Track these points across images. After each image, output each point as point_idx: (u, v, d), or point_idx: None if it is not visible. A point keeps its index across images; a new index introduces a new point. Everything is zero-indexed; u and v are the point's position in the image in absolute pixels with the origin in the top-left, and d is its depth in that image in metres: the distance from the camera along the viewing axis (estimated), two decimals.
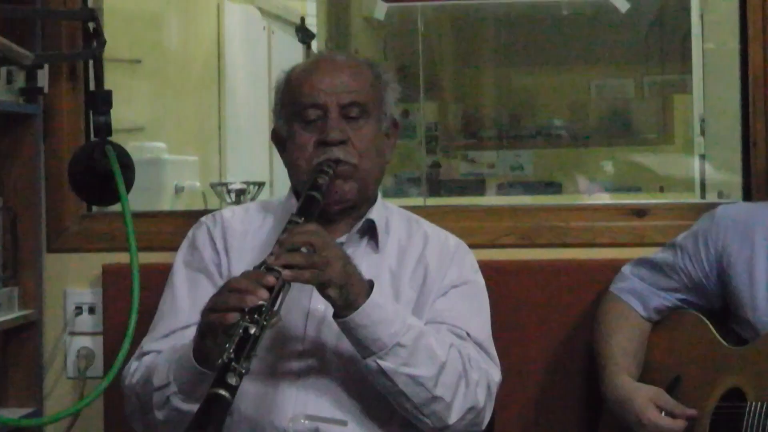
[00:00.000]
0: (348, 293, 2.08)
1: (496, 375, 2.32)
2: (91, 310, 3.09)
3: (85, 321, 3.10)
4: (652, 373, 2.59)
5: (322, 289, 2.07)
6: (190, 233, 2.51)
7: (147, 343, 2.35)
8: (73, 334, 3.10)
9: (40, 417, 2.98)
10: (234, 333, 1.90)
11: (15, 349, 3.01)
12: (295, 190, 2.42)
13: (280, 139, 2.45)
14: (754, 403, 2.33)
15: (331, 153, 2.29)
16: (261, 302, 1.93)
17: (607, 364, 2.59)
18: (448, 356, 2.19)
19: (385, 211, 2.46)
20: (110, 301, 3.02)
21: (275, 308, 1.95)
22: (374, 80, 2.41)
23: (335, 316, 2.11)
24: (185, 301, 2.36)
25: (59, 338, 3.11)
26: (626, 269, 2.75)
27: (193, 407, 2.01)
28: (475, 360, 2.26)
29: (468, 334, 2.30)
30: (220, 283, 2.28)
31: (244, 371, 1.85)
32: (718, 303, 2.59)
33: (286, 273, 1.98)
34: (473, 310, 2.38)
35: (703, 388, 2.46)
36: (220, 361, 1.86)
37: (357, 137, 2.32)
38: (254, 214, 2.50)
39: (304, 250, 2.05)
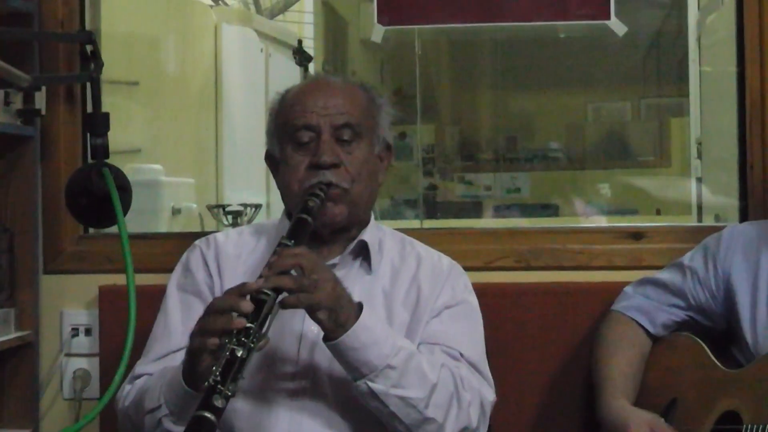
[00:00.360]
0: (337, 316, 2.08)
1: (489, 395, 2.31)
2: (88, 332, 3.09)
3: (82, 342, 3.09)
4: (648, 395, 2.59)
5: (312, 311, 2.07)
6: (183, 256, 2.51)
7: (140, 366, 2.35)
8: (69, 355, 3.10)
9: None
10: (221, 356, 1.90)
11: (11, 370, 3.00)
12: (288, 212, 2.42)
13: (273, 161, 2.45)
14: (750, 426, 2.33)
15: (323, 176, 2.29)
16: (249, 325, 1.93)
17: (605, 387, 2.58)
18: (440, 377, 2.18)
19: (378, 233, 2.46)
20: (106, 323, 3.01)
21: (263, 330, 1.96)
22: (368, 103, 2.42)
23: (325, 339, 2.11)
24: (178, 325, 2.36)
25: (55, 359, 3.11)
26: (629, 289, 2.74)
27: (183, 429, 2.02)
28: (468, 380, 2.26)
29: (461, 354, 2.30)
30: None
31: (230, 393, 1.85)
32: (722, 324, 2.59)
33: (273, 296, 1.99)
34: (466, 330, 2.37)
35: (699, 410, 2.46)
36: (206, 383, 1.87)
37: (349, 160, 2.32)
38: (248, 237, 2.50)
39: (294, 272, 2.05)
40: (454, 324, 2.35)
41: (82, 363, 3.09)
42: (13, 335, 2.92)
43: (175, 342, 2.31)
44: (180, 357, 2.13)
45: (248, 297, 1.98)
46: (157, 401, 2.13)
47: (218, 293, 2.35)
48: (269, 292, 1.99)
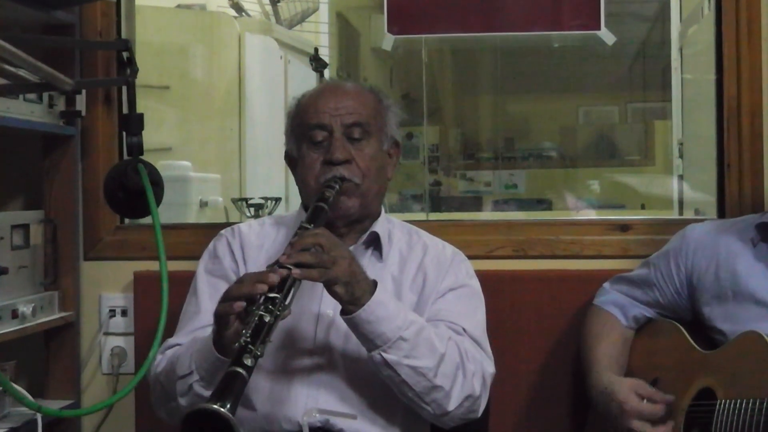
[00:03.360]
0: (354, 290, 2.09)
1: (490, 367, 2.33)
2: (124, 313, 3.11)
3: (118, 323, 3.12)
4: (633, 375, 2.58)
5: (330, 285, 2.08)
6: (210, 245, 2.52)
7: (171, 340, 2.37)
8: (107, 334, 3.12)
9: (79, 409, 3.01)
10: (250, 320, 1.91)
11: (55, 348, 3.02)
12: (305, 206, 2.44)
13: (291, 160, 2.47)
14: (723, 401, 2.34)
15: (336, 171, 2.32)
16: (274, 295, 1.94)
17: (593, 367, 2.59)
18: (447, 348, 2.20)
19: (387, 224, 2.48)
20: (141, 305, 3.04)
21: (287, 302, 1.97)
22: (376, 103, 2.43)
23: (342, 312, 2.12)
24: (207, 304, 2.37)
25: (95, 338, 3.13)
26: (607, 285, 2.77)
27: None
28: (471, 352, 2.27)
29: (464, 329, 2.32)
30: None
31: (259, 354, 1.86)
32: (689, 316, 2.61)
33: (295, 271, 2.00)
34: (469, 309, 2.39)
35: (679, 388, 2.46)
36: (237, 344, 1.88)
37: (360, 157, 2.35)
38: (269, 228, 2.52)
39: (313, 250, 2.07)
40: (457, 303, 2.37)
41: (118, 341, 3.12)
42: (56, 316, 2.94)
43: (204, 319, 2.33)
44: (209, 332, 2.15)
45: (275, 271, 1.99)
46: (188, 368, 2.15)
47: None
48: (291, 267, 2.00)
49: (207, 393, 2.09)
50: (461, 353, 2.24)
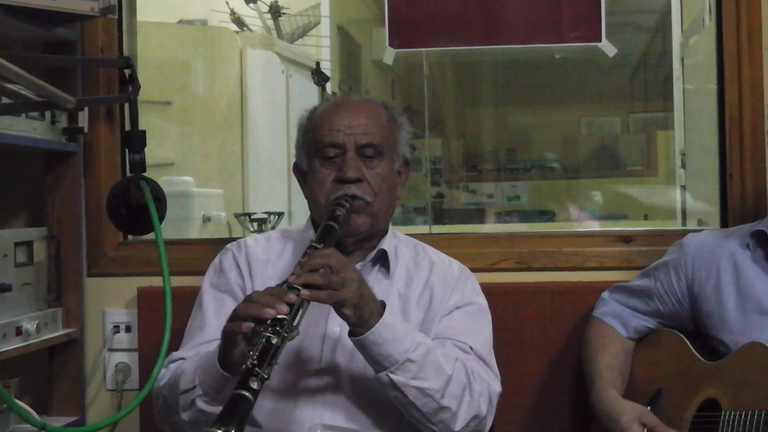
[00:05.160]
0: (362, 313, 2.08)
1: (496, 386, 2.33)
2: (128, 329, 3.11)
3: (122, 338, 3.12)
4: (636, 386, 2.60)
5: (338, 308, 2.07)
6: (216, 259, 2.52)
7: (176, 353, 2.36)
8: (111, 350, 3.12)
9: (83, 426, 3.00)
10: (257, 342, 1.90)
11: (60, 364, 3.03)
12: (313, 221, 2.44)
13: (300, 172, 2.46)
14: (728, 413, 2.33)
15: (347, 189, 2.31)
16: (283, 316, 1.93)
17: (595, 380, 2.59)
18: (454, 369, 2.20)
19: (394, 240, 2.47)
20: (145, 320, 3.04)
21: (295, 323, 1.96)
22: (389, 122, 2.43)
23: (350, 334, 2.12)
24: (212, 319, 2.37)
25: (99, 354, 3.13)
26: (605, 295, 2.76)
27: (216, 409, 2.02)
28: (478, 372, 2.27)
29: (471, 348, 2.31)
30: None
31: (266, 376, 1.85)
32: (690, 326, 2.60)
33: (304, 292, 1.99)
34: (475, 327, 2.39)
35: (682, 399, 2.46)
36: (243, 366, 1.87)
37: (371, 176, 2.34)
38: (275, 242, 2.51)
39: (322, 271, 2.06)
40: (464, 321, 2.37)
41: (123, 357, 3.11)
42: (60, 332, 2.94)
43: (209, 334, 2.33)
44: (213, 347, 2.15)
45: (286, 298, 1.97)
46: (191, 383, 2.13)
47: (249, 292, 2.35)
48: (300, 288, 1.99)
49: (210, 408, 2.10)
50: (468, 373, 2.23)
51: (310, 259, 2.08)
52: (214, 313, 2.38)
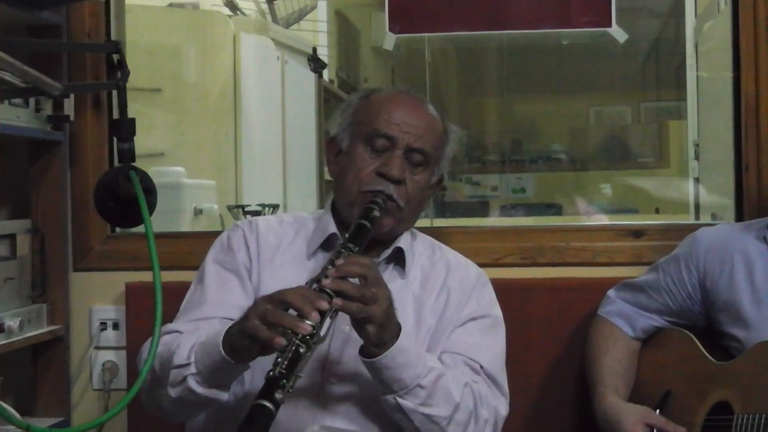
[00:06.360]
0: (384, 334, 2.05)
1: (503, 410, 2.32)
2: (115, 326, 3.11)
3: (110, 336, 3.11)
4: (643, 388, 2.59)
5: (362, 323, 2.04)
6: (224, 235, 2.48)
7: (170, 325, 2.32)
8: (98, 348, 3.12)
9: (69, 427, 3.00)
10: (287, 350, 1.88)
11: (44, 363, 3.02)
12: (333, 207, 2.43)
13: (334, 147, 2.44)
14: (740, 416, 2.33)
15: (386, 187, 2.30)
16: (312, 325, 1.90)
17: (596, 385, 2.59)
18: (462, 396, 2.19)
19: (409, 236, 2.46)
20: (133, 318, 3.03)
21: (323, 334, 1.94)
22: (443, 134, 2.43)
23: (362, 353, 2.10)
24: (213, 295, 2.35)
25: (85, 352, 3.13)
26: (611, 293, 2.76)
27: (206, 392, 2.04)
28: (486, 397, 2.26)
29: (481, 366, 2.31)
30: (249, 286, 2.32)
31: (290, 390, 1.84)
32: (702, 322, 2.60)
33: (336, 300, 1.96)
34: (488, 342, 2.38)
35: (693, 402, 2.46)
36: (270, 373, 1.85)
37: (411, 181, 2.34)
38: (287, 227, 2.47)
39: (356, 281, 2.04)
40: (477, 336, 2.36)
41: (110, 356, 3.11)
42: (45, 329, 2.94)
43: (207, 311, 2.31)
44: (211, 324, 2.13)
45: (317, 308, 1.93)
46: (186, 359, 2.10)
47: (255, 276, 2.36)
48: (332, 294, 1.97)
49: (200, 389, 2.07)
50: (476, 399, 2.23)
51: (346, 265, 2.05)
52: (215, 290, 2.36)
